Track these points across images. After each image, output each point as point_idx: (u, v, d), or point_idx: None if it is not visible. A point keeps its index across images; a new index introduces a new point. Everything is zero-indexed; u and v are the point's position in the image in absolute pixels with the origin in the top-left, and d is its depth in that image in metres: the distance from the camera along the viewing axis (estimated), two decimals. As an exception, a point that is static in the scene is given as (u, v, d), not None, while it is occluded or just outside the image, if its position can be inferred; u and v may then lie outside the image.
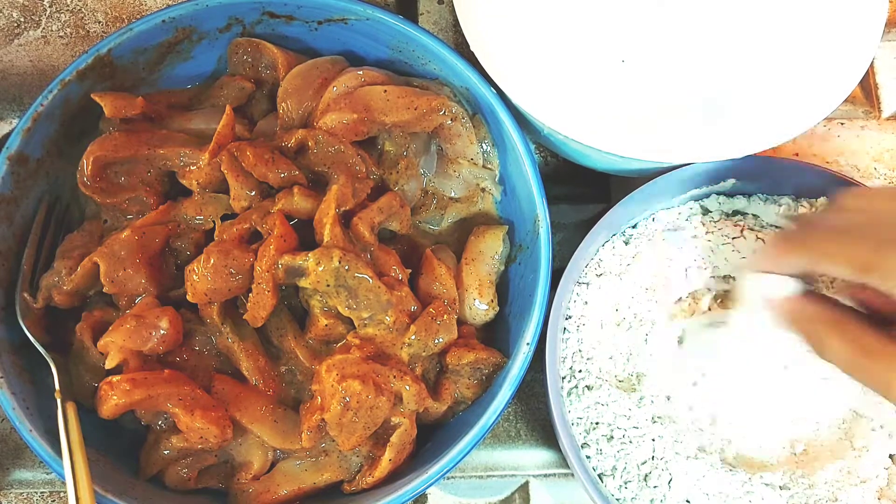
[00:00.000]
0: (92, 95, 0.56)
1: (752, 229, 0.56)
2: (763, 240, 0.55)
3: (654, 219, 0.57)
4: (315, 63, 0.58)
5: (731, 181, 0.56)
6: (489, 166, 0.59)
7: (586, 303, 0.55)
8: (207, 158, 0.54)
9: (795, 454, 0.53)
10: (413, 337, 0.52)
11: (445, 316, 0.53)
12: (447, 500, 0.60)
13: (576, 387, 0.54)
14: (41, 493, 0.61)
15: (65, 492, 0.60)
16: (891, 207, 0.44)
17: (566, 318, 0.55)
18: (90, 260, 0.52)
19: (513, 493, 0.61)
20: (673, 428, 0.53)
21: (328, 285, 0.51)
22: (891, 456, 0.52)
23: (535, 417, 0.62)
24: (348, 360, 0.51)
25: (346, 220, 0.53)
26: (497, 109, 0.55)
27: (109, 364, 0.51)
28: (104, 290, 0.53)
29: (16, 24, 0.68)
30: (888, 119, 0.67)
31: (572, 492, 0.61)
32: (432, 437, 0.56)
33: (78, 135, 0.57)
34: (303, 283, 0.51)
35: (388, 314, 0.52)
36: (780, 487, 0.52)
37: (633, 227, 0.58)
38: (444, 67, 0.57)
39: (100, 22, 0.69)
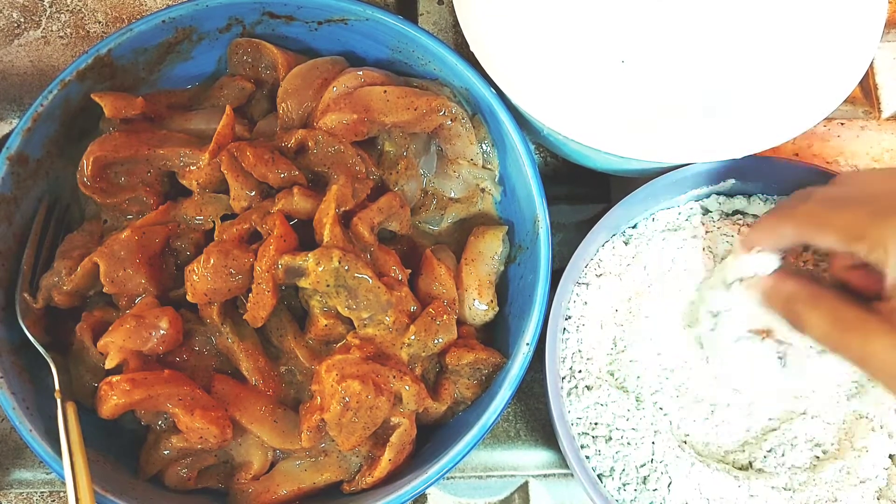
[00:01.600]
0: (92, 95, 0.56)
1: (750, 226, 0.56)
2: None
3: (654, 219, 0.57)
4: (315, 63, 0.58)
5: (731, 181, 0.56)
6: (489, 167, 0.59)
7: (586, 303, 0.55)
8: (207, 158, 0.54)
9: (797, 457, 0.53)
10: (413, 337, 0.52)
11: (445, 316, 0.53)
12: (447, 500, 0.60)
13: (575, 387, 0.54)
14: (41, 493, 0.61)
15: (65, 492, 0.60)
16: (887, 183, 0.45)
17: (566, 319, 0.55)
18: (90, 260, 0.52)
19: (512, 494, 0.61)
20: (673, 430, 0.53)
21: (328, 285, 0.51)
22: (891, 456, 0.52)
23: (534, 417, 0.62)
24: (348, 360, 0.51)
25: (345, 220, 0.53)
26: (497, 110, 0.55)
27: (109, 364, 0.51)
28: (104, 290, 0.53)
29: (16, 25, 0.69)
30: (888, 119, 0.67)
31: (572, 492, 0.61)
32: (432, 438, 0.56)
33: (78, 135, 0.57)
34: (303, 283, 0.51)
35: (388, 314, 0.52)
36: (782, 489, 0.52)
37: (633, 227, 0.58)
38: (443, 68, 0.57)
39: (100, 22, 0.69)
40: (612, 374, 0.55)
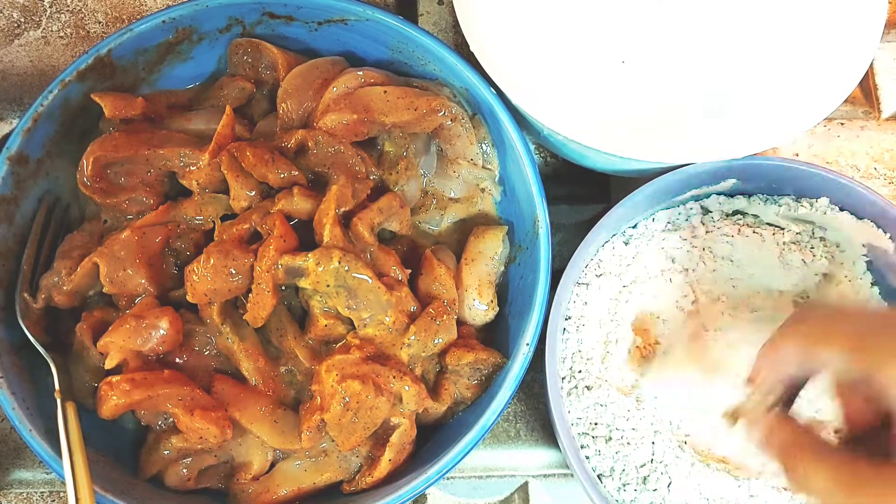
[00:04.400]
0: (92, 95, 0.56)
1: (750, 226, 0.56)
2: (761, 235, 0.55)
3: (654, 219, 0.57)
4: (315, 63, 0.58)
5: (731, 181, 0.56)
6: (489, 167, 0.59)
7: (586, 303, 0.55)
8: (207, 159, 0.54)
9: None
10: (413, 337, 0.52)
11: (445, 316, 0.53)
12: (447, 500, 0.60)
13: (575, 387, 0.54)
14: (41, 493, 0.61)
15: (65, 492, 0.60)
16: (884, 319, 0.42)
17: (566, 319, 0.55)
18: (90, 260, 0.52)
19: (512, 494, 0.61)
20: (673, 430, 0.53)
21: (328, 286, 0.51)
22: (891, 456, 0.52)
23: (534, 418, 0.62)
24: (348, 360, 0.51)
25: (345, 220, 0.53)
26: (497, 110, 0.55)
27: (109, 364, 0.51)
28: (104, 290, 0.53)
29: (16, 25, 0.69)
30: (888, 119, 0.67)
31: (572, 492, 0.60)
32: (432, 438, 0.56)
33: (78, 135, 0.57)
34: (302, 283, 0.51)
35: (388, 314, 0.52)
36: (782, 489, 0.52)
37: (633, 227, 0.58)
38: (443, 68, 0.57)
39: (100, 22, 0.69)
40: (611, 375, 0.55)
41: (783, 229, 0.56)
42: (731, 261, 0.56)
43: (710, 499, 0.52)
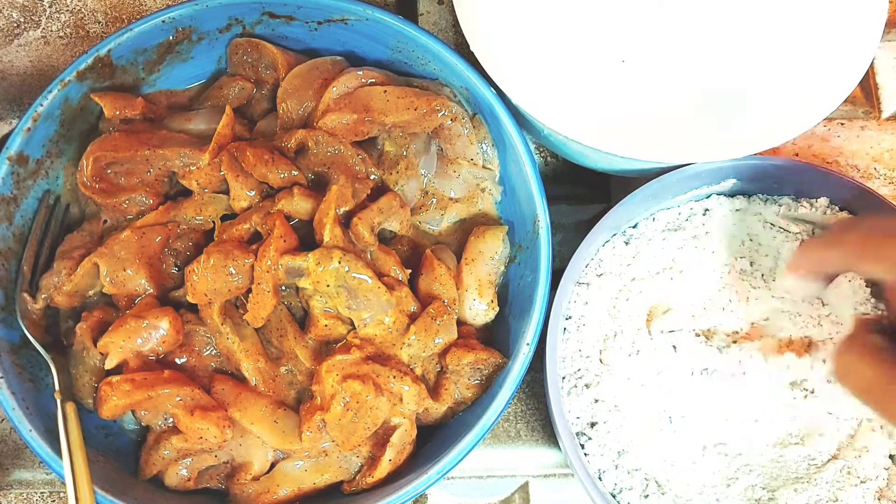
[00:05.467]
0: (92, 95, 0.56)
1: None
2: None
3: (654, 219, 0.57)
4: (315, 63, 0.58)
5: (731, 181, 0.56)
6: (489, 166, 0.59)
7: (586, 303, 0.55)
8: (207, 159, 0.54)
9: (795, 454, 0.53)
10: (413, 337, 0.52)
11: (445, 316, 0.53)
12: (447, 501, 0.60)
13: (575, 386, 0.54)
14: (41, 493, 0.61)
15: (65, 492, 0.60)
16: None
17: (566, 319, 0.55)
18: (90, 260, 0.52)
19: (513, 494, 0.61)
20: (673, 431, 0.53)
21: (328, 286, 0.51)
22: (891, 456, 0.52)
23: (534, 418, 0.62)
24: (348, 360, 0.51)
25: (346, 220, 0.53)
26: (497, 109, 0.55)
27: (109, 364, 0.51)
28: (104, 291, 0.53)
29: (16, 25, 0.68)
30: (888, 119, 0.67)
31: (572, 492, 0.60)
32: (432, 438, 0.56)
33: (78, 135, 0.57)
34: (303, 283, 0.51)
35: (388, 314, 0.52)
36: (781, 487, 0.52)
37: (634, 227, 0.58)
38: (443, 68, 0.57)
39: (100, 22, 0.69)
40: (613, 374, 0.55)
41: (783, 229, 0.56)
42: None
43: (710, 499, 0.52)
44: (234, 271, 0.51)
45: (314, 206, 0.53)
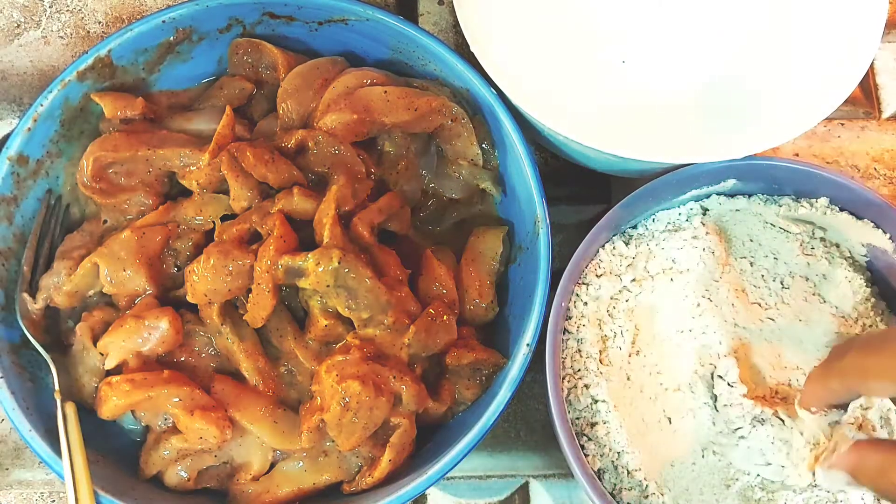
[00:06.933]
0: (92, 95, 0.56)
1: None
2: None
3: (654, 219, 0.57)
4: (315, 63, 0.58)
5: (731, 181, 0.56)
6: (489, 167, 0.59)
7: (586, 303, 0.55)
8: (207, 159, 0.54)
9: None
10: (413, 337, 0.52)
11: (445, 317, 0.53)
12: (447, 501, 0.60)
13: (575, 387, 0.54)
14: (41, 493, 0.61)
15: (65, 492, 0.60)
16: None
17: (566, 319, 0.55)
18: (90, 260, 0.52)
19: (512, 494, 0.61)
20: (672, 432, 0.53)
21: (328, 286, 0.51)
22: (891, 457, 0.52)
23: (534, 418, 0.62)
24: (348, 360, 0.51)
25: (345, 220, 0.53)
26: (497, 110, 0.55)
27: (109, 364, 0.51)
28: (104, 291, 0.53)
29: (16, 25, 0.69)
30: (888, 119, 0.67)
31: (572, 492, 0.61)
32: (432, 438, 0.56)
33: (78, 135, 0.57)
34: (302, 283, 0.51)
35: (388, 315, 0.52)
36: (780, 489, 0.52)
37: (634, 227, 0.58)
38: (444, 68, 0.57)
39: (100, 22, 0.69)
40: (612, 374, 0.54)
41: (783, 229, 0.56)
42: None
43: (710, 499, 0.52)
44: (234, 271, 0.51)
45: (314, 207, 0.53)
